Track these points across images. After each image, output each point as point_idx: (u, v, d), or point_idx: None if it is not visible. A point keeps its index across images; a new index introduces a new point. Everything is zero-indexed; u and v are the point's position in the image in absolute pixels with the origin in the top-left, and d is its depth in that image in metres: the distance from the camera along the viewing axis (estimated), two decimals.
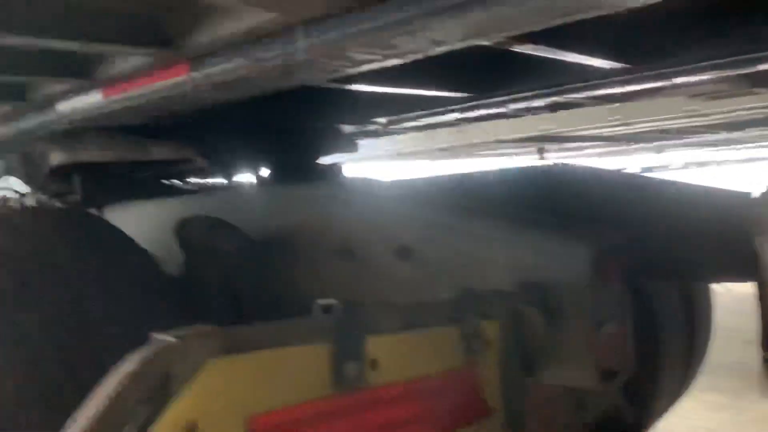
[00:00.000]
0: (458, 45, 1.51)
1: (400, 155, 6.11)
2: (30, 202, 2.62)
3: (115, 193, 2.60)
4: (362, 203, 1.75)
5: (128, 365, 0.72)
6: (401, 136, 5.29)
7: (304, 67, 1.62)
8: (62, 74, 1.91)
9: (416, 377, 0.99)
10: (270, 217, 1.97)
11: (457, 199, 1.66)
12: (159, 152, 2.54)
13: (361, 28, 1.40)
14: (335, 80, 2.19)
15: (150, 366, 0.72)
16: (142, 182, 2.84)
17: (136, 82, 1.94)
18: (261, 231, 1.89)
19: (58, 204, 2.50)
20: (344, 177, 3.41)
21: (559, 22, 1.40)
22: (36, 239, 1.48)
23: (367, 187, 1.95)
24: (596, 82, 2.43)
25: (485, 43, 1.70)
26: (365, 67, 1.67)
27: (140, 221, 2.24)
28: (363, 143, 3.81)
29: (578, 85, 2.47)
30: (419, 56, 1.58)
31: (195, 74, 1.78)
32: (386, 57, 1.56)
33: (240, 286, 1.80)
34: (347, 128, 3.46)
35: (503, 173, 2.20)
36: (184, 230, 1.83)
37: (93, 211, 2.43)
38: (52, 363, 1.26)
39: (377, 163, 7.01)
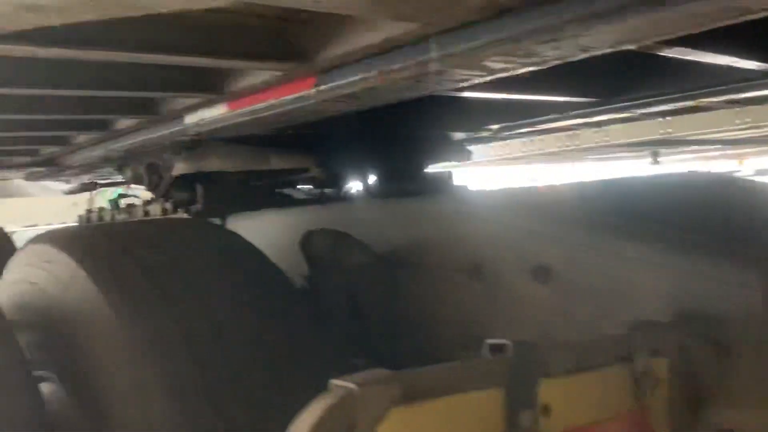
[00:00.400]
0: (606, 50, 1.41)
1: (506, 160, 5.95)
2: (155, 210, 2.72)
3: (233, 203, 2.65)
4: (493, 217, 1.67)
5: (312, 415, 0.68)
6: (509, 141, 5.15)
7: (436, 77, 1.57)
8: (194, 89, 1.94)
9: (587, 423, 0.90)
10: (394, 231, 1.92)
11: (602, 212, 1.54)
12: (278, 162, 2.56)
13: (501, 36, 1.33)
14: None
15: (334, 416, 0.68)
16: (257, 192, 2.88)
17: (261, 95, 1.96)
18: (385, 245, 1.85)
19: (183, 213, 2.58)
20: (460, 186, 3.33)
21: (720, 24, 1.27)
22: (173, 253, 1.50)
23: (496, 198, 1.86)
24: (740, 84, 2.23)
25: (630, 47, 1.58)
26: (498, 75, 1.59)
27: (261, 231, 2.26)
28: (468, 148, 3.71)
29: (721, 87, 2.28)
30: (559, 63, 1.49)
31: (321, 87, 1.76)
32: (524, 65, 1.48)
33: (364, 301, 1.76)
34: (458, 135, 3.38)
35: (652, 181, 2.04)
36: (309, 243, 1.82)
37: (215, 220, 2.48)
38: (192, 381, 1.26)
39: (479, 168, 6.87)
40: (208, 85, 1.95)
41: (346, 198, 2.94)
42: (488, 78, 1.61)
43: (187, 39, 1.56)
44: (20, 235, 4.65)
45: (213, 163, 2.57)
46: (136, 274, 1.39)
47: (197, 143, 2.61)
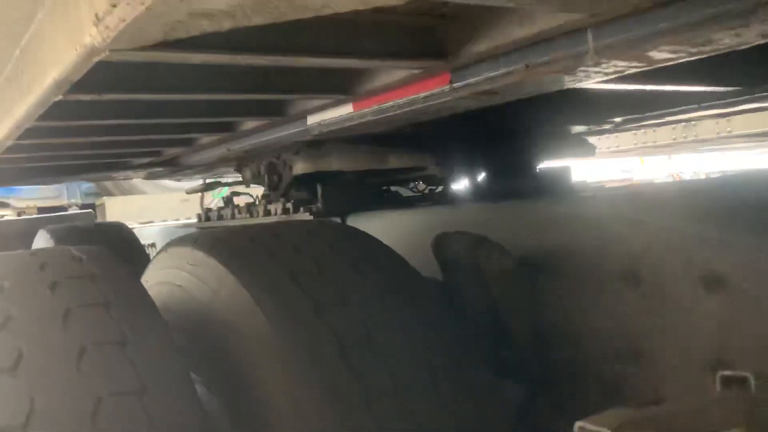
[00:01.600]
0: None
1: (614, 153, 5.69)
2: (276, 209, 2.75)
3: (351, 202, 2.63)
4: (649, 218, 1.54)
5: None
6: (618, 134, 4.91)
7: (588, 69, 1.47)
8: (323, 90, 1.93)
9: None
10: (530, 234, 1.82)
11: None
12: (397, 161, 2.52)
13: (676, 24, 1.21)
14: None
15: None
16: (372, 190, 2.85)
17: (390, 94, 1.91)
18: (521, 249, 1.76)
19: (304, 212, 2.59)
20: (580, 182, 3.18)
21: None
22: (318, 256, 1.48)
23: (643, 197, 1.73)
24: None
25: None
26: (656, 66, 1.47)
27: (383, 231, 2.21)
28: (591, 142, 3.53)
29: None
30: (731, 50, 1.35)
31: (457, 84, 1.70)
32: (693, 54, 1.36)
33: (506, 308, 1.68)
34: (577, 128, 3.23)
35: None
36: (444, 246, 1.76)
37: (336, 219, 2.47)
38: (349, 388, 1.23)
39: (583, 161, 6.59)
40: (338, 86, 1.93)
41: (463, 197, 2.86)
42: (644, 68, 1.49)
43: (325, 41, 1.53)
44: (138, 231, 4.87)
45: (332, 163, 2.56)
46: (285, 279, 1.37)
47: (317, 143, 2.61)
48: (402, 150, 2.55)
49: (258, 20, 1.00)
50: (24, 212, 5.92)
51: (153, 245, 4.55)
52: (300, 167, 2.63)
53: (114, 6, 0.92)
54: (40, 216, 5.12)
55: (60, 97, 1.39)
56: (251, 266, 1.43)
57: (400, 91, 1.88)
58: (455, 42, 1.55)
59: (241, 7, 0.94)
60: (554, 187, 3.03)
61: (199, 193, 4.60)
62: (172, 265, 1.61)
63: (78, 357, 1.08)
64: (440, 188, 3.09)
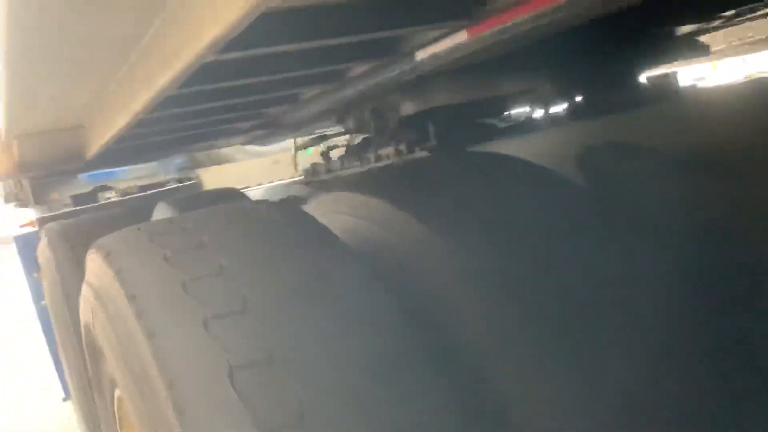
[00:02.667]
0: None
1: (736, 48, 5.33)
2: (388, 153, 2.77)
3: (464, 135, 2.63)
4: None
5: None
6: (724, 30, 4.61)
7: None
8: (438, 20, 1.90)
9: None
10: (658, 138, 1.78)
11: None
12: (508, 86, 2.48)
13: None
14: None
15: None
16: (483, 121, 2.83)
17: (513, 12, 1.86)
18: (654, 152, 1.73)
19: (422, 153, 2.60)
20: (691, 86, 3.04)
21: None
22: (460, 179, 1.51)
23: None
24: None
25: None
26: None
27: None
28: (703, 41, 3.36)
29: None
30: None
31: None
32: None
33: (652, 210, 1.67)
34: (685, 28, 3.07)
35: None
36: (586, 159, 1.74)
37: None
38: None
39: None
40: (453, 13, 1.89)
41: (577, 115, 2.79)
42: None
43: None
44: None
45: (440, 98, 2.55)
46: (444, 202, 1.42)
47: (422, 80, 2.59)
48: (512, 73, 2.50)
49: None
50: (127, 193, 6.19)
51: None
52: (407, 107, 2.63)
53: None
54: (144, 193, 5.36)
55: (212, 58, 1.43)
56: (406, 195, 1.47)
57: (527, 6, 1.82)
58: None
59: None
60: (662, 95, 2.91)
61: (291, 154, 4.69)
62: (333, 210, 1.67)
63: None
64: (548, 110, 3.02)
